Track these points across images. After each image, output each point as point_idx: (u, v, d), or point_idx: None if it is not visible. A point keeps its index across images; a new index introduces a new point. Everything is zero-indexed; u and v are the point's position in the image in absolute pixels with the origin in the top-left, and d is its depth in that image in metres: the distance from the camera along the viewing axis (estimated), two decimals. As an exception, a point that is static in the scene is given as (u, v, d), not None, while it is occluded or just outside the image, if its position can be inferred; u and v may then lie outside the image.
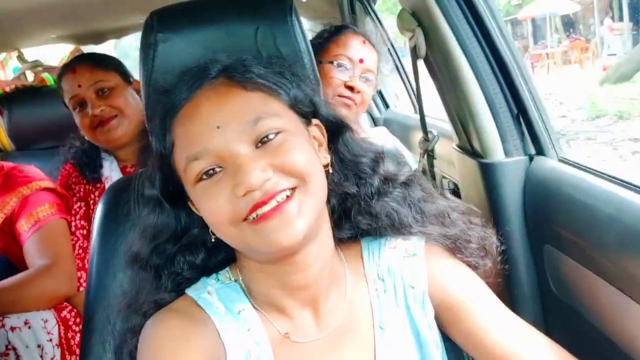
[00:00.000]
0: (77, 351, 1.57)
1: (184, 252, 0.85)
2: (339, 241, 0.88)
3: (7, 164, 1.82)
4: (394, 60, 2.07)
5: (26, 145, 2.38)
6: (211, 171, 0.75)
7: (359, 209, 0.86)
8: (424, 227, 0.87)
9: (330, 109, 0.88)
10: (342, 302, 0.85)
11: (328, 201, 0.84)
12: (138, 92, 1.92)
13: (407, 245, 0.87)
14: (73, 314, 1.63)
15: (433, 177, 1.47)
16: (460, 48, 1.17)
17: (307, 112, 0.83)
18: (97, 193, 1.87)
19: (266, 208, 0.73)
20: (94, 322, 0.97)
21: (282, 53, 0.94)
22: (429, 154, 1.40)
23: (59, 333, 1.56)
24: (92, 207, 1.85)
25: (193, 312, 0.80)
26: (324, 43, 1.67)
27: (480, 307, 0.83)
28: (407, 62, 1.69)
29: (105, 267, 1.00)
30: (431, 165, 1.40)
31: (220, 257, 0.86)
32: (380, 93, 2.50)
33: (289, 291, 0.82)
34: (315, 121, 0.85)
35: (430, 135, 1.42)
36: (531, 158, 1.21)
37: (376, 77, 1.71)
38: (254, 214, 0.73)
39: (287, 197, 0.74)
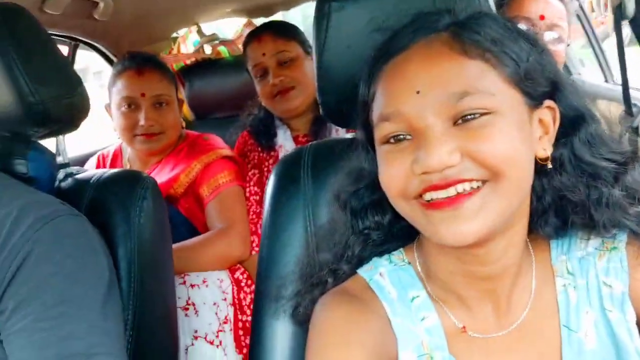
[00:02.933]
0: (248, 311, 1.67)
1: (374, 209, 0.82)
2: (529, 233, 0.77)
3: (192, 133, 1.96)
4: (581, 21, 1.83)
5: (204, 115, 2.56)
6: (400, 136, 0.69)
7: (581, 215, 0.73)
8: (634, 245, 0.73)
9: (577, 92, 0.75)
10: (527, 297, 0.76)
11: (541, 199, 0.74)
12: None
13: (605, 237, 0.75)
14: (245, 275, 1.72)
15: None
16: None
17: (539, 92, 0.71)
18: (270, 161, 1.95)
19: (441, 194, 0.65)
20: (266, 290, 1.00)
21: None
22: (634, 133, 1.21)
23: (233, 293, 1.66)
24: (265, 174, 1.94)
25: (364, 296, 0.77)
26: (497, 9, 1.52)
27: None
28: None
29: (277, 237, 1.02)
30: (635, 147, 1.20)
31: (405, 222, 0.78)
32: (561, 57, 2.20)
33: (470, 280, 0.74)
34: (548, 102, 0.72)
35: (635, 110, 1.22)
36: None
37: (567, 29, 1.50)
38: (427, 196, 0.66)
39: (471, 189, 0.65)
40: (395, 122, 0.69)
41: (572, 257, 0.76)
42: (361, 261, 0.82)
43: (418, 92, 0.67)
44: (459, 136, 0.65)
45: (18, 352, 0.84)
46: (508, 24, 0.72)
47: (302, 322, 0.85)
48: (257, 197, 1.90)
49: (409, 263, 0.80)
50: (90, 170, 1.26)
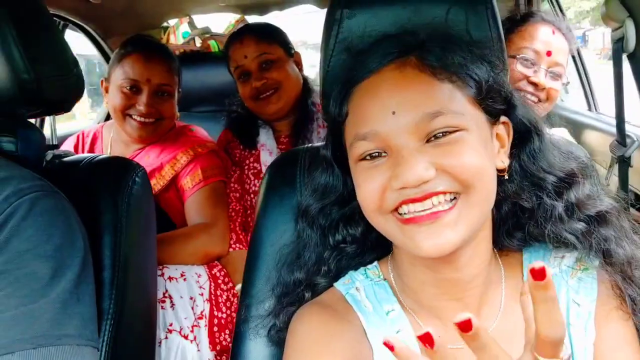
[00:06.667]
0: (224, 308, 1.66)
1: (346, 223, 0.85)
2: (500, 247, 0.81)
3: (179, 123, 1.95)
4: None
5: (187, 107, 2.52)
6: (375, 154, 0.73)
7: (535, 225, 0.78)
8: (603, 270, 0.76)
9: (527, 109, 0.80)
10: (496, 310, 0.79)
11: (498, 208, 0.78)
12: (298, 64, 1.95)
13: (578, 256, 0.78)
14: (223, 273, 1.72)
15: (625, 190, 1.29)
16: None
17: (497, 109, 0.76)
18: (251, 159, 1.95)
19: (417, 207, 0.69)
20: (252, 288, 0.99)
21: (473, 38, 0.87)
22: (624, 162, 1.23)
23: (210, 289, 1.65)
24: (246, 172, 1.94)
25: (340, 307, 0.79)
26: (506, 34, 1.55)
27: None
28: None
29: (267, 237, 1.02)
30: (625, 176, 1.23)
31: (378, 232, 0.81)
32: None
33: (442, 289, 0.77)
34: (503, 119, 0.78)
35: (629, 140, 1.24)
36: None
37: (565, 69, 1.54)
38: (403, 209, 0.70)
39: (449, 207, 0.69)
40: (372, 141, 0.72)
41: None
42: (338, 274, 0.85)
43: (394, 113, 0.71)
44: (433, 153, 0.70)
45: None
46: (470, 47, 0.77)
47: (278, 342, 0.86)
48: (237, 195, 1.90)
49: (384, 279, 0.83)
50: (80, 154, 1.24)
